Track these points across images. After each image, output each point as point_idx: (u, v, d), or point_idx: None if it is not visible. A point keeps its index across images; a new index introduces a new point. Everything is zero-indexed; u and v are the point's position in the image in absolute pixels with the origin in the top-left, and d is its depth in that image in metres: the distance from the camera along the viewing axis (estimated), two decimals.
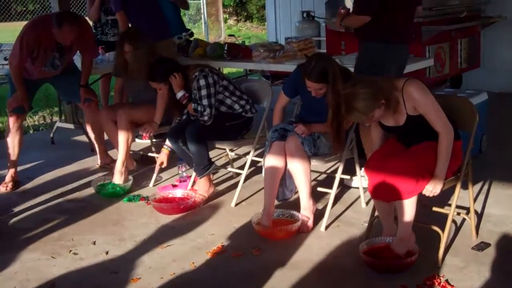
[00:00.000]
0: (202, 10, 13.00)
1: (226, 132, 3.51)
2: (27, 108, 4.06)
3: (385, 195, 2.67)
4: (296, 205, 3.15)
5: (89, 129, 4.33)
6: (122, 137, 3.84)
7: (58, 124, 5.29)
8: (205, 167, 3.48)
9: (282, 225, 3.06)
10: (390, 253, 2.65)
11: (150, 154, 4.40)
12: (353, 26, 3.68)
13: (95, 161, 4.45)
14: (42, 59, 3.92)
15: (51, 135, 5.22)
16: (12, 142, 4.02)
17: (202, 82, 3.42)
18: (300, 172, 3.03)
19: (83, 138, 4.97)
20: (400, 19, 3.55)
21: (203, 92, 3.41)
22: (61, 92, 4.48)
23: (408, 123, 2.65)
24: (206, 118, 3.43)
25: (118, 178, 3.82)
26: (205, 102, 3.41)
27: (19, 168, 4.15)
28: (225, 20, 14.62)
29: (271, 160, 3.07)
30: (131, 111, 3.91)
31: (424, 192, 2.59)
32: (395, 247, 2.64)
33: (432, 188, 2.57)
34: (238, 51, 4.89)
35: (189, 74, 3.50)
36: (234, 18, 16.11)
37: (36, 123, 6.13)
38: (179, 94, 3.47)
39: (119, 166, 3.85)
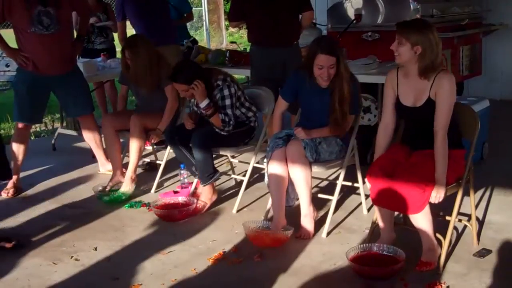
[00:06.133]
0: (203, 17, 13.04)
1: (230, 139, 3.51)
2: (37, 116, 4.03)
3: (387, 204, 2.68)
4: (297, 212, 3.15)
5: (87, 139, 4.34)
6: (135, 144, 3.84)
7: (60, 130, 5.30)
8: (210, 175, 3.49)
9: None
10: (375, 261, 2.66)
11: (152, 160, 4.42)
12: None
13: (96, 167, 4.46)
14: (26, 16, 3.71)
15: (53, 141, 5.24)
16: (17, 150, 4.03)
17: (226, 91, 3.39)
18: (301, 179, 3.03)
19: (84, 144, 4.97)
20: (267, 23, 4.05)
21: (227, 102, 3.39)
22: (63, 102, 4.31)
23: (425, 106, 2.66)
24: (231, 128, 3.41)
25: (127, 186, 3.82)
26: (229, 112, 3.40)
27: (20, 175, 4.15)
28: (227, 27, 14.64)
29: (275, 172, 3.05)
30: (143, 118, 3.89)
31: (429, 199, 2.60)
32: (425, 258, 2.65)
33: (436, 194, 2.58)
34: (239, 58, 4.91)
35: (212, 80, 3.41)
36: None
37: (38, 129, 6.14)
38: (204, 103, 3.35)
39: (130, 173, 3.85)
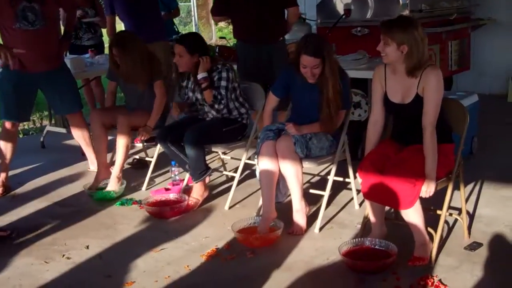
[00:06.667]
0: (192, 13, 12.98)
1: (223, 137, 3.52)
2: (25, 114, 4.01)
3: (379, 198, 2.69)
4: (289, 207, 3.15)
5: (76, 137, 4.31)
6: (122, 143, 3.80)
7: (48, 128, 5.26)
8: (202, 172, 3.49)
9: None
10: (367, 255, 2.68)
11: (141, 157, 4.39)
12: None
13: (86, 165, 4.43)
14: (11, 12, 3.67)
15: (42, 139, 5.19)
16: (5, 148, 3.98)
17: (224, 74, 3.47)
18: (292, 174, 3.03)
19: (73, 142, 4.93)
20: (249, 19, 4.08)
21: (223, 83, 3.47)
22: (50, 100, 4.28)
23: (413, 103, 2.67)
24: (221, 107, 3.48)
25: (114, 185, 3.79)
26: (223, 92, 3.46)
27: (9, 173, 4.10)
28: (216, 23, 14.58)
29: (265, 163, 3.06)
30: (131, 117, 3.87)
31: (420, 193, 2.61)
32: (418, 253, 2.66)
33: (427, 188, 2.59)
34: (229, 54, 4.89)
35: (212, 64, 3.51)
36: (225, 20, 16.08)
37: (26, 127, 6.09)
38: (202, 75, 3.44)
39: (116, 172, 3.81)
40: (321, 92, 3.06)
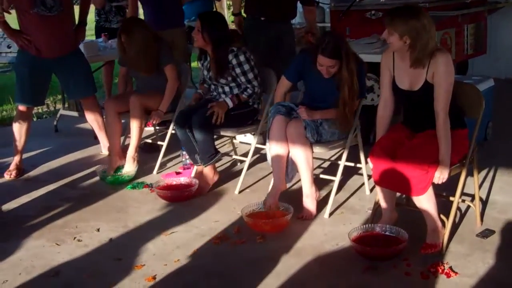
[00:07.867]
0: None
1: (232, 120, 3.49)
2: (40, 99, 4.03)
3: (390, 185, 2.66)
4: (299, 192, 3.14)
5: (89, 120, 4.32)
6: (136, 124, 3.81)
7: (62, 112, 5.29)
8: (211, 155, 3.48)
9: (274, 217, 3.00)
10: (377, 241, 2.66)
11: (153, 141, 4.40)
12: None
13: (98, 149, 4.46)
14: None
15: (55, 123, 5.23)
16: (19, 131, 4.01)
17: (242, 57, 3.43)
18: (302, 159, 3.02)
19: (86, 125, 4.95)
20: None
21: (246, 66, 3.45)
22: (64, 84, 4.27)
23: (423, 90, 2.62)
24: (258, 90, 3.51)
25: (130, 165, 3.81)
26: (250, 76, 3.46)
27: (23, 156, 4.14)
28: (229, 7, 14.48)
29: (276, 137, 3.04)
30: (144, 97, 3.86)
31: (433, 180, 2.58)
32: (430, 240, 2.64)
33: (440, 174, 2.56)
34: (240, 37, 4.85)
35: (229, 46, 3.47)
36: None
37: (40, 110, 6.13)
38: (231, 104, 3.45)
39: (131, 152, 3.83)
40: (338, 90, 3.03)
